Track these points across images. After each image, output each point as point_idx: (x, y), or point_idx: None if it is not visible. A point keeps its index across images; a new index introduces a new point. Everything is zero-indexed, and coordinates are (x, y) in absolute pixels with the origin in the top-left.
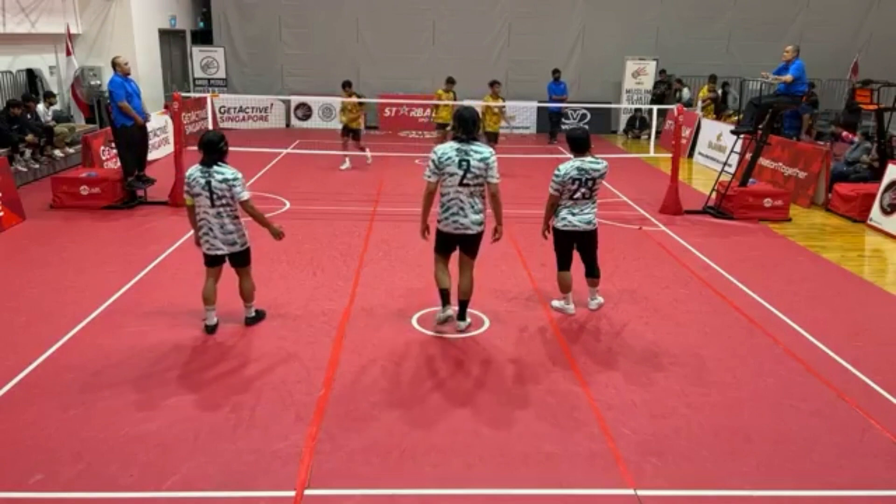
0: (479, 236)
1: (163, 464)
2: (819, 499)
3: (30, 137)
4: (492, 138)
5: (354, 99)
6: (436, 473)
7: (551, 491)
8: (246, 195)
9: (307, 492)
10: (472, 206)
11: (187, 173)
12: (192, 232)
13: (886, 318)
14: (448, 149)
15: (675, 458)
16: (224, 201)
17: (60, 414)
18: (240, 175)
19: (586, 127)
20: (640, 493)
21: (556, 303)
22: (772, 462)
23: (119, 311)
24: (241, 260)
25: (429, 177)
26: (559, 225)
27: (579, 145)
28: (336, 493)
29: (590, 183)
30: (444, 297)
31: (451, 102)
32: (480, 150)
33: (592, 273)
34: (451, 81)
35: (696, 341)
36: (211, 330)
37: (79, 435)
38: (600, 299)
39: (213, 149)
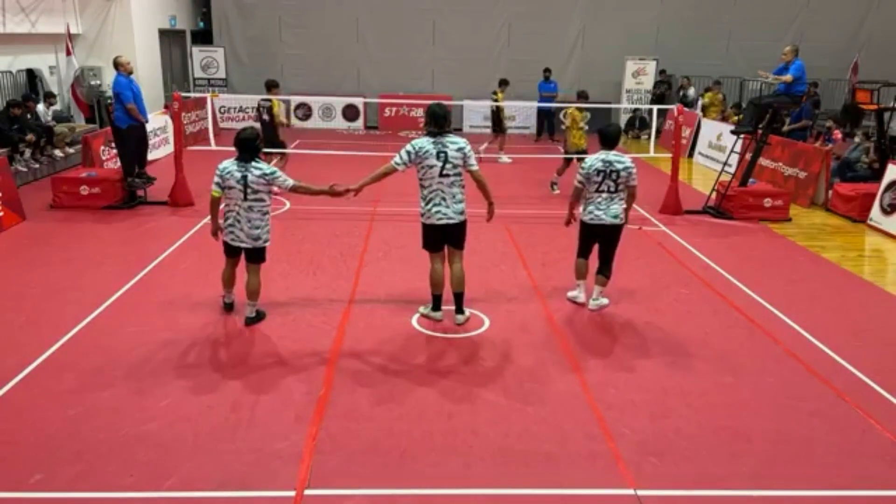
0: (463, 225)
1: (163, 464)
2: (819, 499)
3: (29, 137)
4: (581, 153)
5: (278, 96)
6: (436, 473)
7: (551, 491)
8: (291, 182)
9: (307, 492)
10: (453, 197)
11: (221, 166)
12: (194, 229)
13: (886, 318)
14: (425, 142)
15: (675, 458)
16: (258, 196)
17: (60, 414)
18: (276, 169)
19: (619, 125)
20: (640, 493)
21: (570, 293)
22: (772, 462)
23: (119, 311)
24: (257, 256)
25: (397, 163)
26: (587, 219)
27: (607, 139)
28: (336, 493)
29: (614, 175)
30: (437, 302)
31: (504, 103)
32: (456, 142)
33: (604, 272)
34: (504, 83)
35: (696, 341)
36: (229, 307)
37: (79, 435)
38: (603, 301)
39: (251, 146)
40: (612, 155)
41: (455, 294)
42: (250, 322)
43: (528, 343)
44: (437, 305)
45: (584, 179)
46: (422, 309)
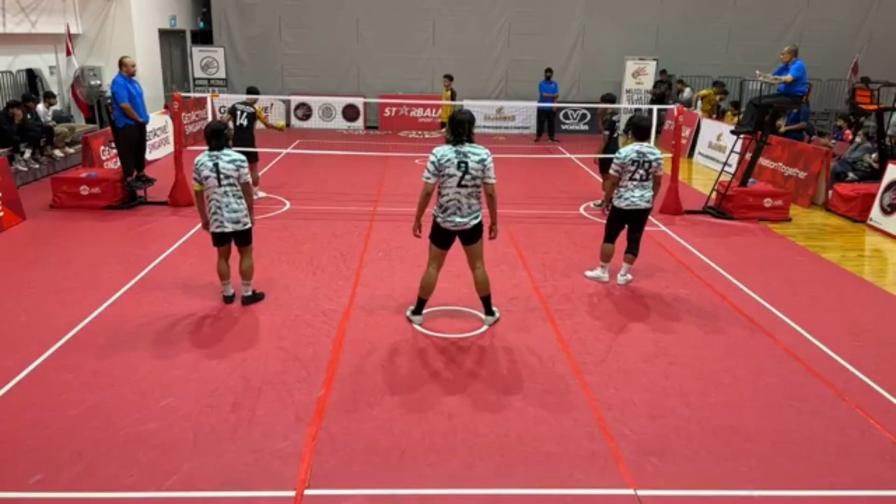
0: (478, 226)
1: (163, 464)
2: (819, 499)
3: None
4: None
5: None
6: (436, 473)
7: (551, 491)
8: (248, 178)
9: (307, 492)
10: (470, 207)
11: (195, 160)
12: (194, 229)
13: (886, 318)
14: (447, 150)
15: (675, 458)
16: (230, 181)
17: (60, 414)
18: (245, 159)
19: (650, 117)
20: (640, 493)
21: (590, 273)
22: (772, 462)
23: (119, 311)
24: (244, 239)
25: (428, 178)
26: (623, 205)
27: (640, 131)
28: (336, 493)
29: (646, 165)
30: (420, 305)
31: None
32: (478, 152)
33: (633, 251)
34: (448, 77)
35: (696, 341)
36: (228, 300)
37: (79, 435)
38: (630, 277)
39: (220, 134)
40: (644, 146)
41: (482, 298)
42: (247, 301)
43: (527, 343)
44: (419, 309)
45: (619, 168)
46: (407, 312)
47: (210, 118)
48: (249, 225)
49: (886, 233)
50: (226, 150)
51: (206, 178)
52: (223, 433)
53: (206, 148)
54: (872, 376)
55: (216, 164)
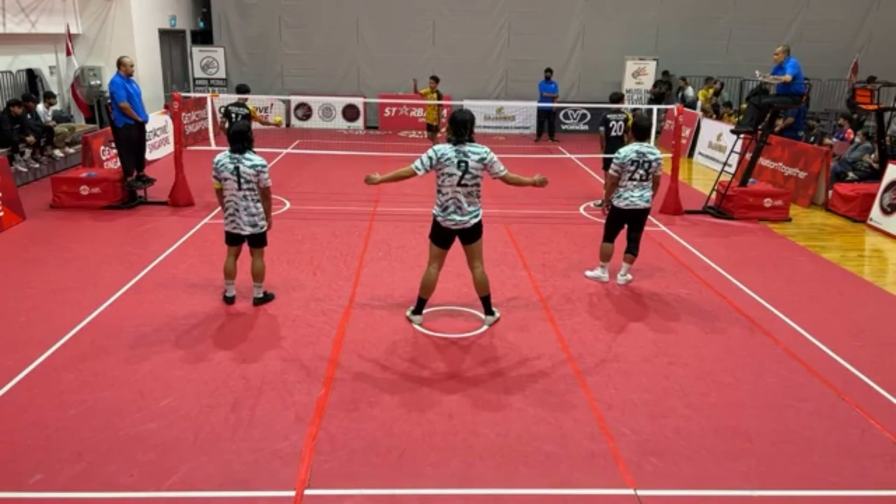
0: (477, 225)
1: (163, 464)
2: (819, 499)
3: (30, 138)
4: None
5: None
6: (436, 473)
7: (551, 491)
8: (269, 182)
9: (307, 492)
10: (469, 206)
11: (215, 159)
12: (194, 229)
13: (886, 318)
14: (447, 149)
15: (675, 458)
16: (250, 185)
17: (60, 414)
18: (266, 164)
19: (649, 117)
20: (640, 493)
21: (590, 273)
22: (772, 462)
23: (119, 311)
24: (259, 241)
25: (417, 168)
26: (622, 204)
27: (641, 131)
28: (336, 493)
29: (646, 165)
30: (421, 305)
31: (435, 102)
32: (477, 151)
33: (633, 251)
34: (433, 79)
35: (696, 341)
36: (229, 301)
37: (79, 435)
38: (630, 277)
39: (243, 137)
40: (644, 146)
41: (481, 298)
42: (258, 302)
43: (527, 343)
44: (419, 309)
45: (619, 168)
46: (408, 312)
47: (210, 118)
48: (265, 228)
49: (886, 233)
50: (248, 154)
51: (226, 180)
52: (223, 433)
53: (205, 146)
54: (872, 376)
55: (237, 168)
